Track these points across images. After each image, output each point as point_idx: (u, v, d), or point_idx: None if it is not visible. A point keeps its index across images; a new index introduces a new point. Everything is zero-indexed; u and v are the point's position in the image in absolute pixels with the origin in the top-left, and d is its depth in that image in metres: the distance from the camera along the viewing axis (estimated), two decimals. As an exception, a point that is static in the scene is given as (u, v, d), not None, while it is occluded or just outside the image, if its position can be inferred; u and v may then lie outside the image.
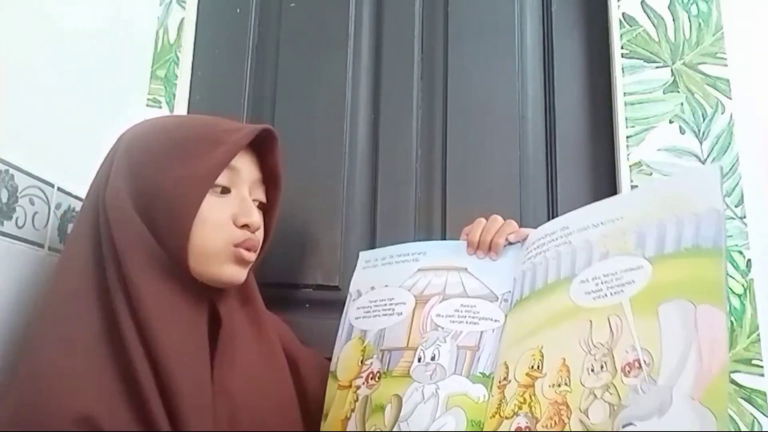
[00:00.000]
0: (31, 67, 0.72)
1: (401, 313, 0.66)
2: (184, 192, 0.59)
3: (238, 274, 0.63)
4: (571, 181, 0.90)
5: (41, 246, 0.72)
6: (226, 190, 0.63)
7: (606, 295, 0.53)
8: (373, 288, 0.72)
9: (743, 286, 0.79)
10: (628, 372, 0.48)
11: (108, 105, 0.87)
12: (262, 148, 0.67)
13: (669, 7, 0.89)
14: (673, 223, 0.52)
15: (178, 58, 1.01)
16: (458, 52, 0.97)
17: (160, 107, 0.99)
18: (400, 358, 0.63)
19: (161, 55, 1.02)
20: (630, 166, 0.85)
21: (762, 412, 0.75)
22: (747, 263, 0.79)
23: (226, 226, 0.61)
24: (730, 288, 0.79)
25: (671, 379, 0.46)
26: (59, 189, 0.76)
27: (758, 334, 0.77)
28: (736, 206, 0.81)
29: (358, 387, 0.64)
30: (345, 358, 0.68)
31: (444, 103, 0.96)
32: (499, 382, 0.58)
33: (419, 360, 0.62)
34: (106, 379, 0.53)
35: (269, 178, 0.68)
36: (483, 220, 0.71)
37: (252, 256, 0.64)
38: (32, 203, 0.71)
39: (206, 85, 1.02)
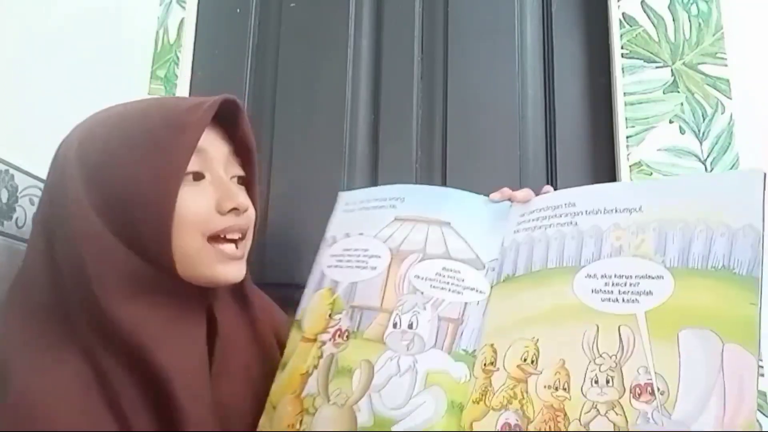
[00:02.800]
0: (31, 67, 0.72)
1: (375, 268, 0.60)
2: (155, 189, 0.52)
3: (234, 272, 0.57)
4: (571, 182, 0.90)
5: (41, 246, 0.72)
6: (198, 176, 0.55)
7: (617, 300, 0.48)
8: (348, 235, 0.64)
9: (743, 286, 0.79)
10: (638, 395, 0.44)
11: (108, 105, 0.87)
12: (226, 121, 0.60)
13: (669, 7, 0.89)
14: (702, 232, 0.46)
15: (178, 58, 1.01)
16: (458, 52, 0.97)
17: (160, 107, 0.99)
18: (372, 319, 0.57)
19: (161, 55, 1.02)
20: (630, 166, 0.85)
21: (762, 412, 0.75)
22: (747, 263, 0.79)
23: (205, 217, 0.54)
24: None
25: (688, 419, 0.41)
26: (59, 189, 0.76)
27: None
28: (736, 206, 0.81)
29: (324, 343, 0.58)
30: (312, 308, 0.61)
31: (444, 103, 0.96)
32: (484, 365, 0.53)
33: (395, 326, 0.56)
34: (100, 419, 0.49)
35: (242, 152, 0.61)
36: None
37: (232, 248, 0.57)
38: (32, 203, 0.71)
39: (206, 85, 1.02)
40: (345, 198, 0.68)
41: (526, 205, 0.59)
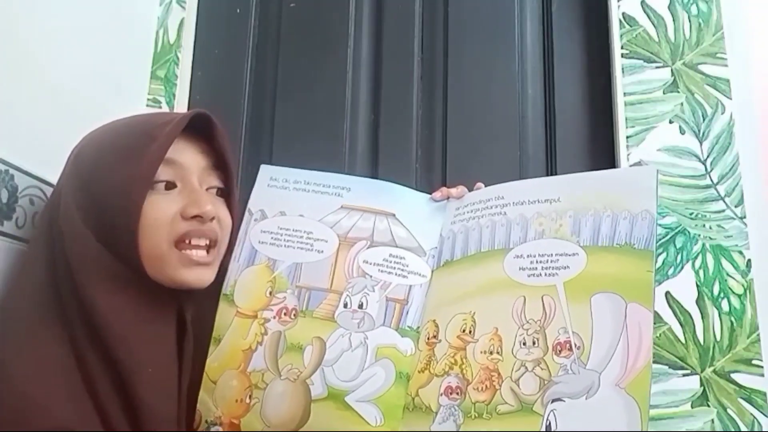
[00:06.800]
0: (31, 67, 0.72)
1: (322, 251, 0.64)
2: (124, 194, 0.57)
3: (199, 277, 0.60)
4: (571, 181, 0.90)
5: (41, 246, 0.72)
6: (171, 185, 0.59)
7: (541, 274, 0.57)
8: (283, 213, 0.67)
9: (743, 286, 0.79)
10: (559, 352, 0.53)
11: (108, 105, 0.87)
12: (208, 135, 0.63)
13: (669, 7, 0.89)
14: (609, 216, 0.56)
15: (178, 58, 1.01)
16: (458, 52, 0.97)
17: (160, 107, 0.99)
18: (322, 300, 0.62)
19: (161, 55, 1.01)
20: (630, 167, 0.85)
21: (762, 412, 0.75)
22: (747, 263, 0.79)
23: (170, 222, 0.58)
24: (730, 288, 0.79)
25: (599, 366, 0.51)
26: (59, 189, 0.76)
27: (758, 334, 0.77)
28: (736, 206, 0.81)
29: (267, 320, 0.62)
30: (247, 283, 0.64)
31: (444, 103, 0.96)
32: (428, 339, 0.60)
33: (345, 306, 0.62)
34: (78, 398, 0.53)
35: (220, 164, 0.65)
36: None
37: (202, 254, 0.60)
38: (32, 203, 0.71)
39: (206, 85, 1.02)
40: (269, 172, 0.70)
41: (460, 200, 0.67)
